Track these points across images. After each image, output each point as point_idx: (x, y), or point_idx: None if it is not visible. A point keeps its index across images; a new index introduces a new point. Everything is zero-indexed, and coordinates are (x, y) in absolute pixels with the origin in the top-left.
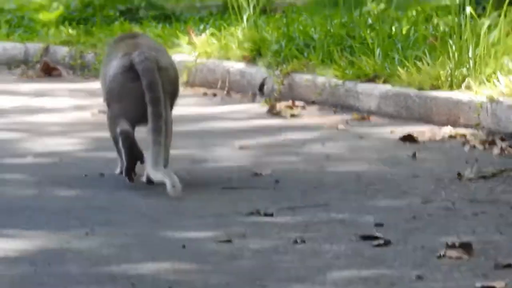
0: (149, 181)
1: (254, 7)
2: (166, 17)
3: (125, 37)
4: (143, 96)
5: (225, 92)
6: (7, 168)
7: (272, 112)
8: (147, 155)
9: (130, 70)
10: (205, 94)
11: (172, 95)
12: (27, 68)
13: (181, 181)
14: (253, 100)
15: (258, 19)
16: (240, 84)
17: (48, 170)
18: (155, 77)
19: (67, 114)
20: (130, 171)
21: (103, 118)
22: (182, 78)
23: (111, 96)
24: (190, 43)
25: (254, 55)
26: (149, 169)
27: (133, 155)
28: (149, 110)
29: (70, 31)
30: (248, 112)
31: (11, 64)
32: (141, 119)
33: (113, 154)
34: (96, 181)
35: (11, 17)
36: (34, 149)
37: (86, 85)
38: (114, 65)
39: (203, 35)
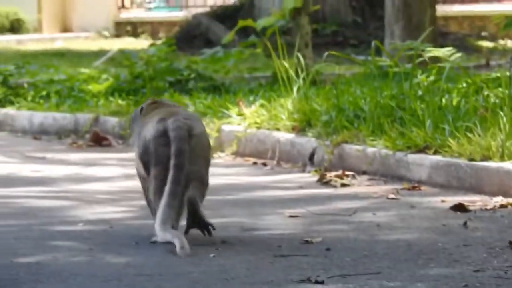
0: (165, 241)
1: (304, 79)
2: (215, 88)
3: (158, 103)
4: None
5: (275, 162)
6: (58, 235)
7: (322, 181)
8: (156, 216)
9: (163, 136)
10: (255, 163)
11: (206, 160)
12: (77, 138)
13: (231, 245)
14: (303, 170)
15: (308, 90)
16: (290, 154)
17: (99, 238)
18: (184, 145)
19: (116, 182)
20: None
21: None
22: (232, 148)
23: (147, 159)
24: (240, 114)
25: (304, 125)
26: (158, 229)
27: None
28: (171, 173)
29: (120, 101)
30: (298, 181)
31: (61, 134)
32: None
33: None
34: (146, 249)
35: (61, 88)
36: (84, 216)
37: None
38: (150, 129)
39: (253, 106)
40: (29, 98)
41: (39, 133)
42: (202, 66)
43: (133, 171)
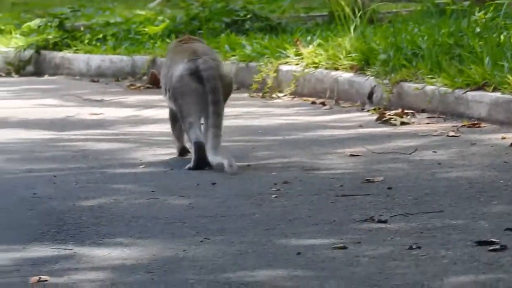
0: (198, 168)
1: (361, 17)
2: (272, 28)
3: (184, 42)
4: (204, 96)
5: (333, 101)
6: (119, 178)
7: (382, 120)
8: (207, 144)
9: (194, 74)
10: (313, 103)
11: (226, 95)
12: (134, 80)
13: (293, 186)
14: (362, 109)
15: (365, 29)
16: (349, 93)
17: (160, 180)
18: (217, 83)
19: None
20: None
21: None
22: (290, 89)
23: (177, 93)
24: (298, 53)
25: (362, 65)
26: (210, 155)
27: (202, 160)
28: (211, 109)
29: None
30: (357, 120)
31: (118, 76)
32: (202, 114)
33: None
34: (208, 190)
35: (117, 31)
36: (145, 158)
37: None
38: (181, 68)
39: (310, 46)
40: (86, 41)
41: (96, 76)
42: (258, 6)
43: None
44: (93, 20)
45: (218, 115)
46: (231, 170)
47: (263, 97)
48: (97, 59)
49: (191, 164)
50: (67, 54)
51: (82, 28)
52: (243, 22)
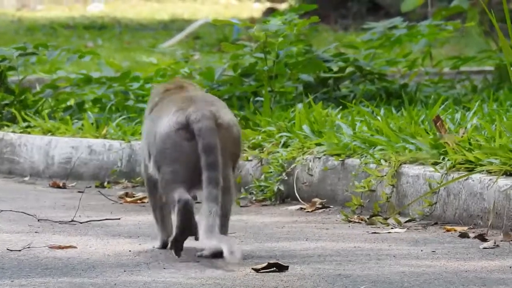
0: (214, 255)
1: None
2: (390, 95)
3: (174, 88)
4: (199, 158)
5: (500, 233)
6: None
7: None
8: (200, 226)
9: (184, 129)
10: (463, 236)
11: (234, 156)
12: (132, 184)
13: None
14: None
15: None
16: None
17: None
18: (214, 138)
19: None
20: (180, 243)
21: None
22: (421, 208)
23: (161, 158)
24: (437, 144)
25: None
26: (202, 237)
27: (188, 228)
28: (204, 175)
29: None
30: None
31: (103, 177)
32: (196, 185)
33: None
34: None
35: (105, 94)
36: None
37: None
38: (166, 122)
39: (461, 131)
40: (45, 112)
41: (63, 176)
42: (364, 54)
43: None
44: (59, 72)
45: (216, 183)
46: (233, 258)
47: (370, 223)
48: (65, 146)
49: (170, 237)
50: (9, 135)
51: (37, 88)
52: (337, 82)
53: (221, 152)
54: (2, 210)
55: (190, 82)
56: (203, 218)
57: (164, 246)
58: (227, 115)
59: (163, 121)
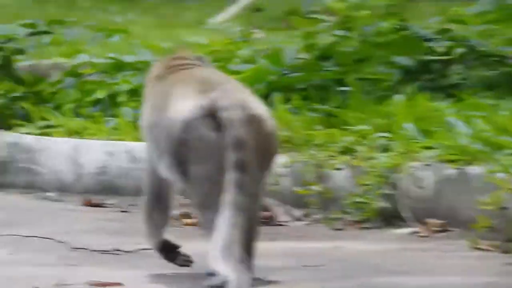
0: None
1: None
2: None
3: (180, 64)
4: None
5: None
6: None
7: None
8: (215, 237)
9: (211, 117)
10: None
11: (268, 156)
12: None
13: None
14: None
15: None
16: None
17: None
18: (245, 132)
19: None
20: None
21: None
22: None
23: (183, 153)
24: None
25: None
26: (215, 256)
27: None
28: (230, 176)
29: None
30: None
31: None
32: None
33: None
34: None
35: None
36: None
37: None
38: (186, 108)
39: None
40: (68, 107)
41: (98, 191)
42: (476, 31)
43: None
44: (80, 56)
45: (244, 188)
46: None
47: (506, 250)
48: (98, 151)
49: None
50: (25, 137)
51: (54, 76)
52: (444, 66)
53: (251, 150)
54: (25, 236)
55: (200, 56)
56: (221, 229)
57: (158, 247)
58: (259, 106)
59: (182, 106)
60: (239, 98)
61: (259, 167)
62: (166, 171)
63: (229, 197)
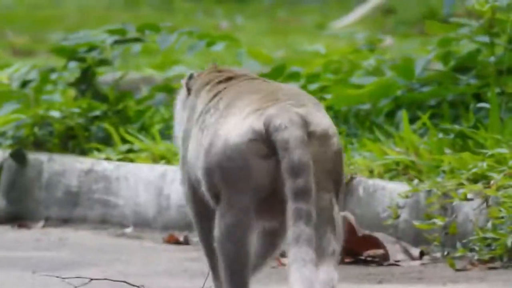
0: None
1: None
2: None
3: (234, 76)
4: (276, 183)
5: None
6: None
7: None
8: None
9: (262, 140)
10: None
11: (335, 178)
12: None
13: None
14: None
15: None
16: None
17: None
18: (305, 154)
19: None
20: None
21: None
22: None
23: (221, 181)
24: None
25: None
26: None
27: None
28: (292, 207)
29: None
30: None
31: None
32: (270, 219)
33: None
34: None
35: None
36: None
37: None
38: (238, 128)
39: None
40: (156, 129)
41: (183, 225)
42: None
43: None
44: (176, 68)
45: (308, 219)
46: None
47: None
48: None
49: None
50: (101, 163)
51: (143, 91)
52: None
53: (314, 173)
54: (93, 279)
55: (244, 70)
56: (293, 272)
57: None
58: (323, 120)
59: (234, 125)
60: (298, 113)
61: (325, 190)
62: (209, 198)
63: (293, 232)
